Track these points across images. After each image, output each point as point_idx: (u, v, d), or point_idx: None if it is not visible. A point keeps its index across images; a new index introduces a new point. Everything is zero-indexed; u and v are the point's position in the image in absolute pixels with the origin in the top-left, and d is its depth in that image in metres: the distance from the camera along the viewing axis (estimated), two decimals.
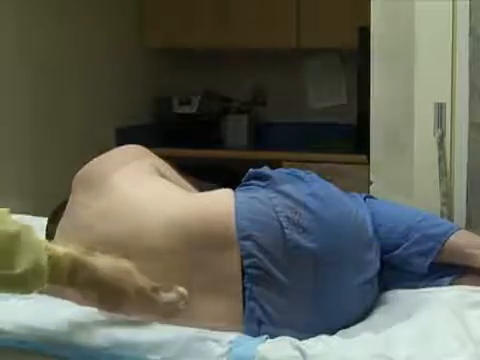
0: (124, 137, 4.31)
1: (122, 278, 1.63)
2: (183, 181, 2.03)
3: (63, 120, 4.15)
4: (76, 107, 4.24)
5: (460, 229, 2.07)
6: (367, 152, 2.90)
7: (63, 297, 1.83)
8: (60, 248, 1.59)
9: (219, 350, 1.63)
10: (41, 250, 1.55)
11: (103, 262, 1.63)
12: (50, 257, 1.56)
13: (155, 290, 1.65)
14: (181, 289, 1.67)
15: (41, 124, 3.99)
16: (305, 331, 1.71)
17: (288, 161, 4.34)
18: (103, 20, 4.43)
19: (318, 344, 1.65)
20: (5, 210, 1.56)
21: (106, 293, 1.62)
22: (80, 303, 1.78)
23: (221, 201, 1.83)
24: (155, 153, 2.06)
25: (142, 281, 1.65)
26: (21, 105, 3.86)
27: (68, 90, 4.18)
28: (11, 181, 3.77)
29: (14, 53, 3.78)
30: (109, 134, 4.53)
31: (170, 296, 1.67)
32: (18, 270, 1.51)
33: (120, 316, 1.69)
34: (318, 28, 4.59)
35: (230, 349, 1.63)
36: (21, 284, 1.55)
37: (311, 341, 1.67)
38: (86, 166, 1.99)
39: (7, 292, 1.66)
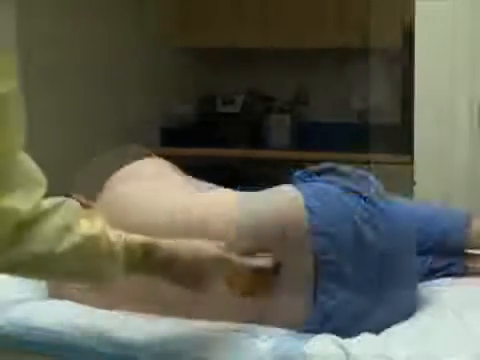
0: (169, 137, 4.33)
1: (200, 247, 1.59)
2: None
3: (70, 121, 4.09)
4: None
5: (460, 229, 2.07)
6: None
7: (63, 297, 1.83)
8: (127, 235, 1.53)
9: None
10: (112, 241, 1.49)
11: (172, 241, 1.58)
12: (123, 244, 1.50)
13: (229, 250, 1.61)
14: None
15: (41, 124, 3.97)
16: (305, 331, 1.71)
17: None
18: (136, 19, 4.37)
19: (316, 344, 1.65)
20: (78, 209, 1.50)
21: (185, 270, 1.57)
22: (80, 303, 1.79)
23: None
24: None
25: (217, 246, 1.61)
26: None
27: (82, 91, 4.10)
28: None
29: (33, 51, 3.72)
30: (155, 134, 4.51)
31: (258, 261, 1.64)
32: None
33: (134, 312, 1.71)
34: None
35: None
36: (98, 277, 1.52)
37: (312, 341, 1.67)
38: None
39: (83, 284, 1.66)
